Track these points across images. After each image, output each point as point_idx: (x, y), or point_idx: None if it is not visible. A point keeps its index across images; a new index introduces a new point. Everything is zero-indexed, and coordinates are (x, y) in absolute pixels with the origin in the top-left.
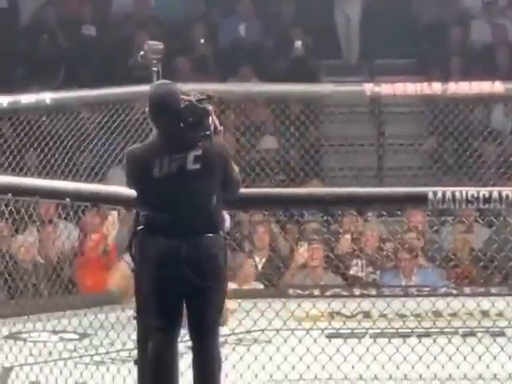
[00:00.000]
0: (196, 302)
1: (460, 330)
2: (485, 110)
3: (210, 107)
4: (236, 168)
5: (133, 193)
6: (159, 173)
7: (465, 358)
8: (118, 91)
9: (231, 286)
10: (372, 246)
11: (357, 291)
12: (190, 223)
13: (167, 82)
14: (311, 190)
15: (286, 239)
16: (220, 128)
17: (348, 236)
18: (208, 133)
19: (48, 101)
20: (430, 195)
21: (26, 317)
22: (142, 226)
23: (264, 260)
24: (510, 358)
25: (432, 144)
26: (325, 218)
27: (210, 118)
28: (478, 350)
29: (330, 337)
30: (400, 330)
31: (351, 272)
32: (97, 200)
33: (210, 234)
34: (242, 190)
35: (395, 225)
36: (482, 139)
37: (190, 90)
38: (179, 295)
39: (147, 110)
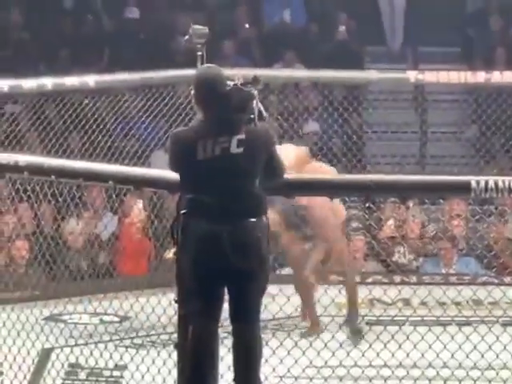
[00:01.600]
0: (238, 286)
1: (500, 319)
2: None
3: (255, 91)
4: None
5: (176, 176)
6: (203, 155)
7: (505, 347)
8: (161, 75)
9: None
10: (414, 233)
11: (397, 278)
12: (232, 207)
13: (213, 65)
14: (354, 177)
15: None
16: (265, 114)
17: (391, 222)
18: (252, 116)
19: (91, 83)
20: (473, 184)
21: (67, 299)
22: (184, 210)
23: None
24: None
25: (475, 133)
26: (367, 205)
27: (255, 102)
28: None
29: (370, 324)
30: (440, 318)
31: (393, 259)
32: (140, 183)
33: (253, 219)
34: (286, 176)
35: (437, 213)
36: None
37: (235, 74)
38: (221, 279)
39: (192, 93)
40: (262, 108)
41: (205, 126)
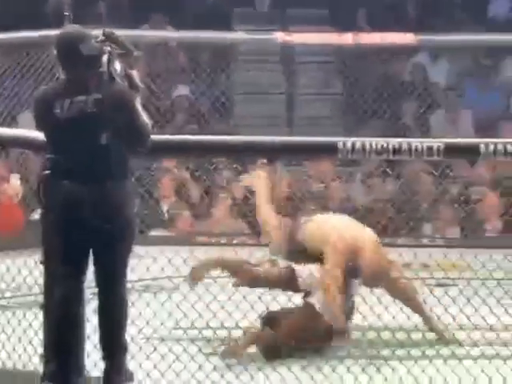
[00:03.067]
0: (101, 247)
1: None
2: (398, 62)
3: (108, 47)
4: (145, 117)
5: (41, 136)
6: (60, 115)
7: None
8: (29, 35)
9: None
10: (282, 194)
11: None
12: (92, 168)
13: (75, 26)
14: (222, 138)
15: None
16: (138, 83)
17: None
18: (102, 70)
19: None
20: (340, 145)
21: None
22: (47, 171)
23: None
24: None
25: (342, 94)
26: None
27: (106, 58)
28: (384, 300)
29: (237, 285)
30: None
31: None
32: (5, 143)
33: (114, 180)
34: (152, 137)
35: (302, 174)
36: (393, 91)
37: (98, 33)
38: (84, 241)
39: (54, 53)
40: (117, 68)
41: (64, 86)
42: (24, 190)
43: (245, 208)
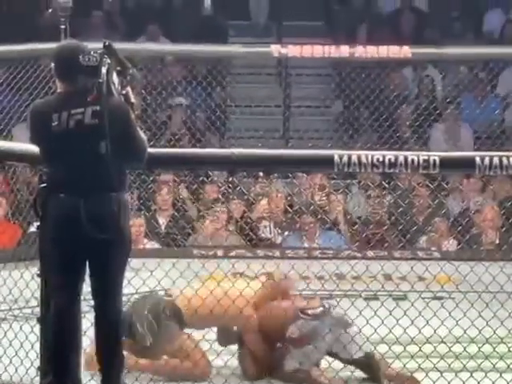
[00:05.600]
0: (97, 260)
1: (363, 294)
2: (393, 74)
3: (108, 60)
4: (141, 133)
5: (37, 149)
6: (58, 128)
7: (367, 322)
8: (25, 48)
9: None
10: (278, 207)
11: (261, 253)
12: (88, 180)
13: (72, 40)
14: (217, 151)
15: (192, 201)
16: (133, 100)
17: (264, 202)
18: (101, 81)
19: None
20: (336, 158)
21: None
22: (44, 184)
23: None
24: (412, 322)
25: (338, 107)
26: (230, 179)
27: (105, 69)
28: (381, 313)
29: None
30: (303, 292)
31: (261, 234)
32: (1, 157)
33: (110, 192)
34: (148, 150)
35: (300, 187)
36: (388, 103)
37: (97, 47)
38: (80, 253)
39: (52, 66)
40: (115, 82)
41: (61, 98)
42: (18, 202)
43: (242, 223)
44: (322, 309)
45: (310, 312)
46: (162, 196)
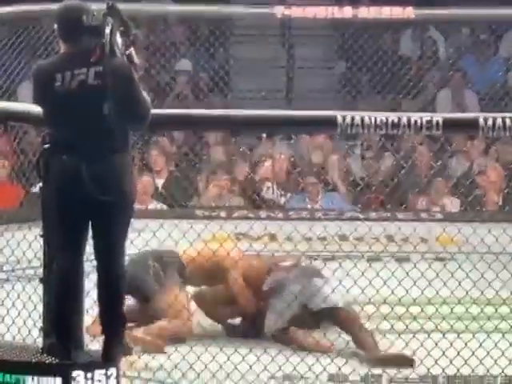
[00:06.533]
0: (99, 220)
1: (365, 255)
2: (394, 35)
3: (111, 20)
4: (145, 94)
5: (40, 110)
6: (61, 88)
7: (370, 283)
8: (27, 8)
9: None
10: (281, 168)
11: (263, 214)
12: (91, 142)
13: (75, 0)
14: (220, 112)
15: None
16: (136, 61)
17: (268, 163)
18: (104, 41)
19: None
20: (339, 119)
21: None
22: (47, 145)
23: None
24: (414, 283)
25: (341, 68)
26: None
27: (108, 30)
28: (383, 274)
29: None
30: (307, 254)
31: (263, 195)
32: (5, 117)
33: (113, 153)
34: (152, 111)
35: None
36: (391, 64)
37: (100, 8)
38: (83, 213)
39: (55, 26)
40: (118, 42)
41: (64, 59)
42: (21, 164)
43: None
44: (291, 262)
45: (280, 265)
46: (153, 157)
